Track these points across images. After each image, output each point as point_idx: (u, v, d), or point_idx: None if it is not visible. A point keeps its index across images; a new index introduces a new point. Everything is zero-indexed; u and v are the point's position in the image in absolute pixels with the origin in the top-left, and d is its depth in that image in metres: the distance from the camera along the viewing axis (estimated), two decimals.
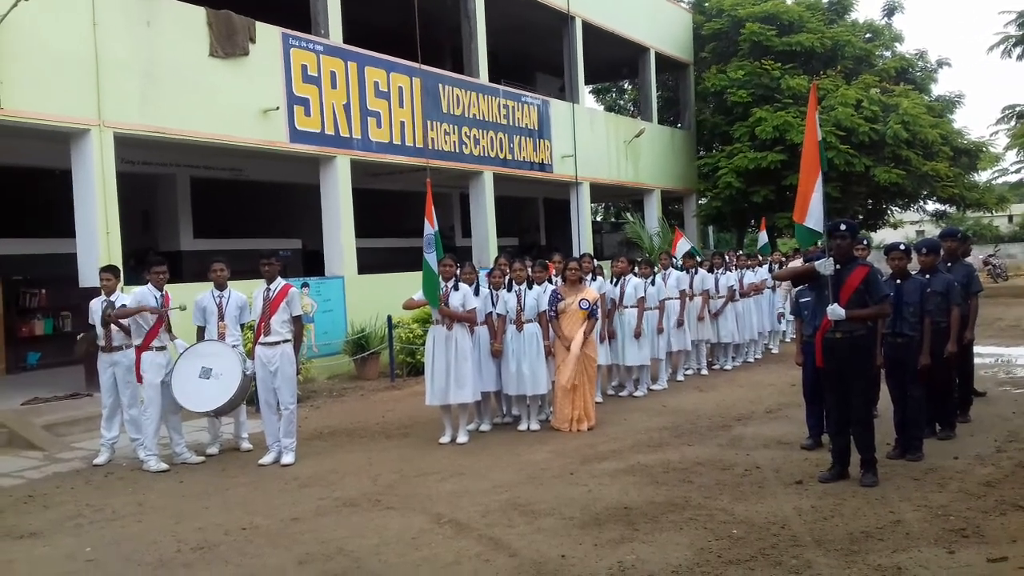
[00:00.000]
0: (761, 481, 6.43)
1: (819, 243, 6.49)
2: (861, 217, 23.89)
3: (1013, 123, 17.13)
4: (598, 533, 5.33)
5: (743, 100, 22.61)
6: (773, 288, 14.16)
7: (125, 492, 6.94)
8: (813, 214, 6.33)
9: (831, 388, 6.39)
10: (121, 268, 10.27)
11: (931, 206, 27.07)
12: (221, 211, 16.11)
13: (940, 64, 26.08)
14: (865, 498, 5.87)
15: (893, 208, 26.23)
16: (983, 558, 4.69)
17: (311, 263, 16.17)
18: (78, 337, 8.26)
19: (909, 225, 43.78)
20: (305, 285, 12.96)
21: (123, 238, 13.14)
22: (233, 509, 6.28)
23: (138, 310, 7.64)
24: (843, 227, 6.25)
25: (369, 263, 14.94)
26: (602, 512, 5.76)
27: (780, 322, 12.00)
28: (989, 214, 34.55)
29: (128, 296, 7.90)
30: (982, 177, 24.95)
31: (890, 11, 26.61)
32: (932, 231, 49.23)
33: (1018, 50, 17.18)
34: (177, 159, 14.59)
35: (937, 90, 25.93)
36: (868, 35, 25.55)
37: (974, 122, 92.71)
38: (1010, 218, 55.33)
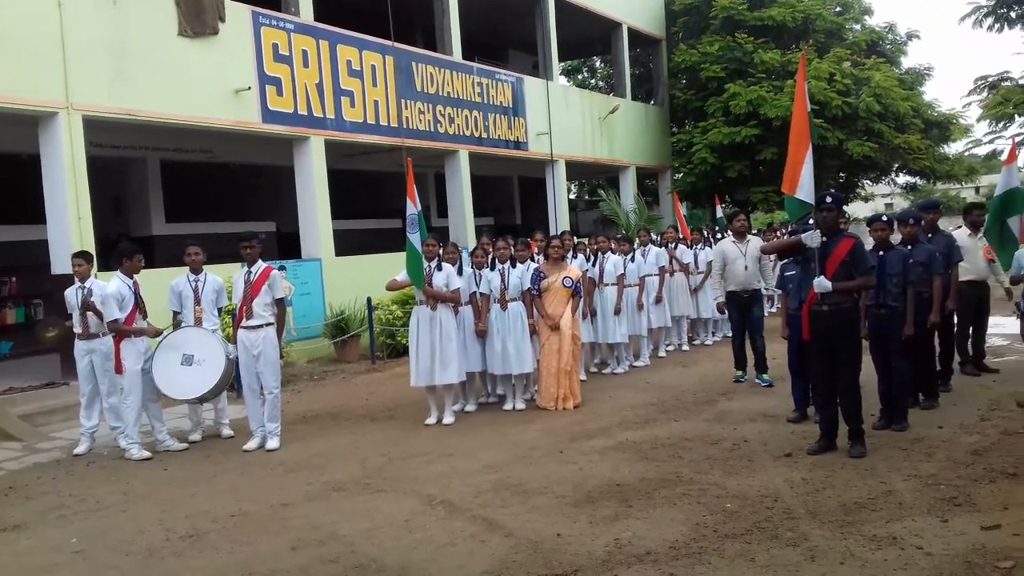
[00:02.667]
0: (750, 455, 6.44)
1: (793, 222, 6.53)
2: (833, 190, 24.00)
3: (985, 94, 17.25)
4: (592, 511, 5.31)
5: (716, 75, 22.57)
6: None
7: (108, 481, 6.82)
8: (804, 186, 6.31)
9: (818, 360, 6.40)
10: (94, 254, 10.14)
11: (902, 179, 27.26)
12: (193, 194, 15.84)
13: (910, 37, 26.20)
14: (855, 469, 5.90)
15: (865, 181, 26.40)
16: (976, 526, 4.72)
17: (286, 246, 15.96)
18: (38, 321, 7.98)
19: (880, 198, 44.19)
20: (282, 268, 12.76)
21: (95, 223, 12.92)
22: (220, 496, 6.19)
23: (135, 331, 7.55)
24: (829, 199, 6.24)
25: (346, 245, 14.79)
26: (594, 489, 5.74)
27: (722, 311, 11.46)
28: (958, 185, 34.89)
29: (103, 284, 7.71)
30: (954, 149, 25.11)
31: None
32: (902, 204, 49.73)
33: (989, 20, 17.22)
34: (147, 142, 14.30)
35: (907, 63, 26.09)
36: (838, 8, 25.55)
37: (947, 94, 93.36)
38: (977, 189, 55.96)
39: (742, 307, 9.29)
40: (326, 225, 13.76)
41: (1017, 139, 14.53)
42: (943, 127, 24.04)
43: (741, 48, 22.43)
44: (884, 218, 7.18)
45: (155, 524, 5.61)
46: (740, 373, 9.43)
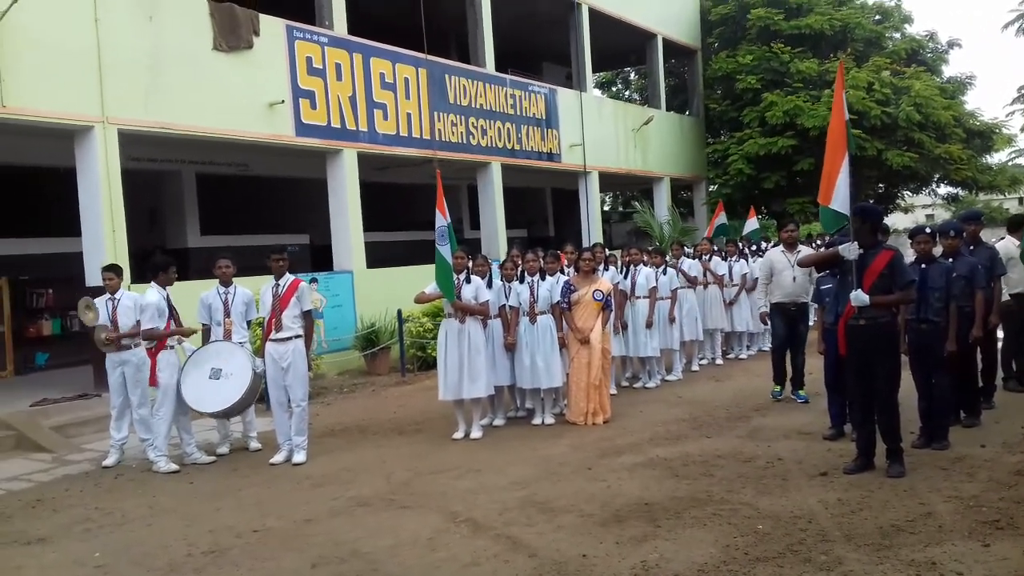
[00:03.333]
0: (784, 473, 6.27)
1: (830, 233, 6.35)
2: (872, 201, 23.63)
3: None
4: (619, 531, 5.18)
5: (752, 86, 22.34)
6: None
7: (135, 494, 6.82)
8: (839, 196, 6.13)
9: (855, 376, 6.22)
10: (128, 266, 10.24)
11: (943, 189, 26.76)
12: (228, 207, 15.97)
13: (951, 45, 25.77)
14: (893, 489, 5.71)
15: (905, 192, 25.95)
16: (1020, 551, 4.53)
17: (319, 258, 16.02)
18: (96, 325, 7.91)
19: (920, 209, 43.44)
20: (314, 280, 12.82)
21: (129, 236, 13.05)
22: (245, 510, 6.15)
23: (167, 334, 7.59)
24: (859, 212, 6.06)
25: (378, 257, 14.81)
26: (622, 508, 5.61)
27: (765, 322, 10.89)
28: (1000, 196, 34.19)
29: (136, 296, 7.75)
30: (997, 159, 24.59)
31: None
32: (943, 215, 48.86)
33: None
34: (183, 155, 14.46)
35: (948, 72, 25.66)
36: (877, 17, 25.19)
37: (989, 103, 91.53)
38: (1021, 200, 54.84)
39: (789, 320, 8.98)
40: (358, 237, 13.77)
41: None
42: (985, 137, 23.56)
43: (777, 58, 22.19)
44: (927, 230, 6.98)
45: (179, 539, 5.58)
46: (778, 389, 9.14)
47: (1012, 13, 18.88)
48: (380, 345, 12.84)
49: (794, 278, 8.87)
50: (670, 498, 5.78)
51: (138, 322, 7.57)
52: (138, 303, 7.61)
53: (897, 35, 25.32)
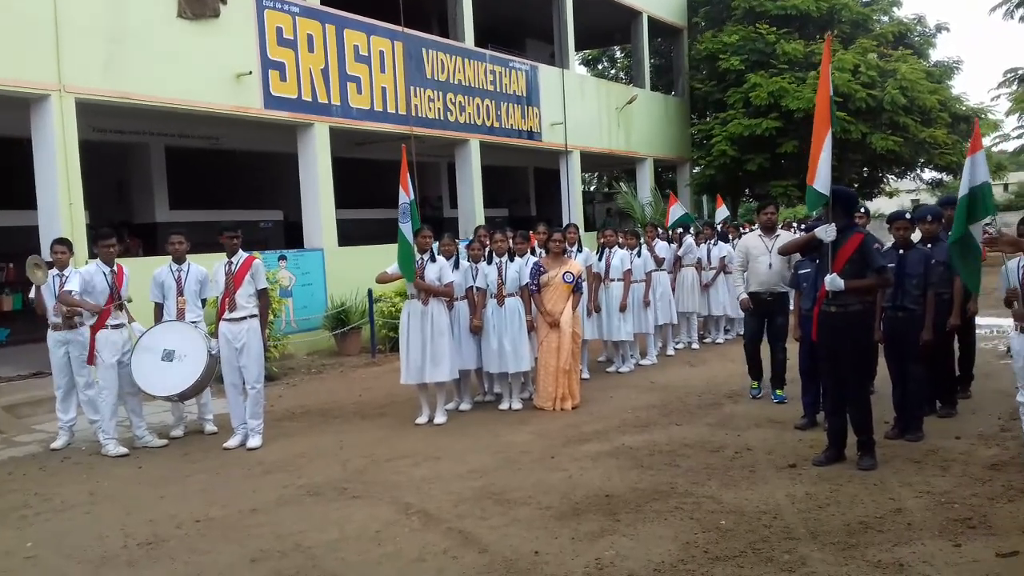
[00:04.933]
0: (752, 464, 6.05)
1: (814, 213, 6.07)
2: (856, 186, 23.44)
3: (1015, 87, 16.60)
4: (576, 525, 4.94)
5: (737, 67, 22.05)
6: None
7: (79, 480, 6.54)
8: (821, 175, 5.86)
9: (827, 365, 6.00)
10: (85, 241, 9.89)
11: (928, 174, 26.61)
12: (198, 181, 15.58)
13: (939, 29, 25.55)
14: (863, 483, 5.49)
15: (889, 176, 25.78)
16: (992, 552, 4.32)
17: (293, 235, 15.67)
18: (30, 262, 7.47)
19: (905, 194, 43.26)
20: (282, 258, 12.52)
21: (96, 210, 12.68)
22: (190, 499, 5.88)
23: (83, 304, 7.09)
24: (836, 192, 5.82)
25: (352, 235, 14.49)
26: (582, 500, 5.37)
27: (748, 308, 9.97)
28: None
29: (77, 272, 7.42)
30: (986, 143, 24.42)
31: None
32: (928, 200, 48.74)
33: (1021, 11, 16.61)
34: (150, 127, 14.04)
35: (935, 55, 25.42)
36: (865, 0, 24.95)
37: (975, 87, 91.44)
38: (1005, 187, 54.84)
39: (763, 312, 8.10)
40: (329, 214, 13.44)
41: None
42: (971, 122, 23.35)
43: (763, 39, 21.91)
44: (907, 215, 6.74)
45: (116, 529, 5.31)
46: (755, 385, 8.36)
47: None
48: (350, 325, 12.55)
49: (770, 265, 8.00)
50: (632, 490, 5.55)
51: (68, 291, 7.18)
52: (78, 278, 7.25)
53: (885, 18, 25.08)
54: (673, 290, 11.34)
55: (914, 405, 6.56)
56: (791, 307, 7.70)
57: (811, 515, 4.94)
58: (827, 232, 5.79)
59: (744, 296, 8.18)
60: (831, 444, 6.01)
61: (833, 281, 5.74)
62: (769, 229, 8.29)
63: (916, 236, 7.17)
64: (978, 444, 6.34)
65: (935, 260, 6.76)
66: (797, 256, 6.98)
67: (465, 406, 8.49)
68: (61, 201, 9.86)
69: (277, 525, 5.21)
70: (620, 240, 10.26)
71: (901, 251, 6.62)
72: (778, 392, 8.22)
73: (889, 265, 6.28)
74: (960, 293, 7.07)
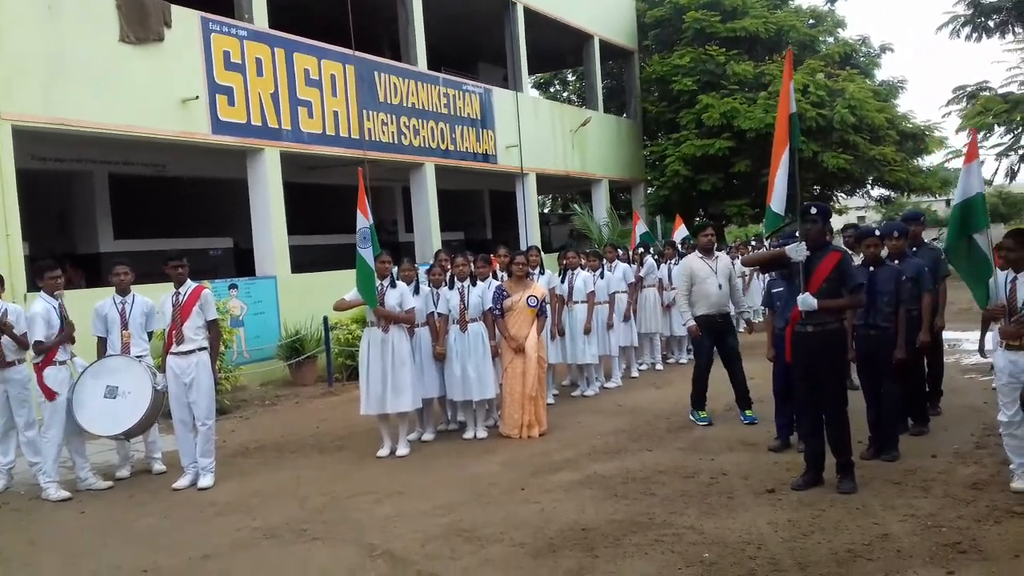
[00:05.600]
0: (730, 490, 5.84)
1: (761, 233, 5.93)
2: (819, 202, 23.66)
3: (964, 104, 16.88)
4: (553, 562, 4.68)
5: (688, 87, 22.21)
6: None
7: (17, 527, 6.11)
8: (777, 194, 5.76)
9: (802, 386, 5.83)
10: (24, 274, 9.43)
11: (876, 191, 26.98)
12: (144, 210, 15.03)
13: (883, 49, 26.03)
14: (845, 507, 5.32)
15: (839, 194, 26.08)
16: None
17: (243, 262, 15.24)
18: None
19: (853, 211, 44.03)
20: (233, 287, 12.10)
21: (36, 241, 12.15)
22: (137, 545, 5.49)
23: (56, 343, 6.80)
24: (813, 210, 5.69)
25: (306, 261, 14.12)
26: (557, 536, 5.11)
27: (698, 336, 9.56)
28: (930, 198, 34.76)
29: (18, 309, 7.03)
30: (932, 160, 24.82)
31: None
32: (874, 217, 49.66)
33: (967, 30, 16.90)
34: (93, 155, 13.54)
35: (880, 75, 25.87)
36: (811, 21, 25.32)
37: (923, 106, 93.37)
38: (948, 202, 56.14)
39: (715, 334, 8.01)
40: (281, 241, 13.07)
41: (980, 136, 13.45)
42: (918, 139, 23.79)
43: (713, 60, 22.11)
44: (877, 232, 6.65)
45: None
46: (704, 415, 8.03)
47: (946, 15, 19.10)
48: (306, 354, 12.16)
49: (719, 286, 7.97)
50: (608, 522, 5.30)
51: (24, 334, 6.83)
52: (21, 316, 6.88)
53: (831, 39, 25.48)
54: (635, 311, 11.16)
55: (890, 423, 6.43)
56: (742, 329, 7.52)
57: (796, 544, 4.74)
58: (797, 251, 5.65)
59: (692, 323, 7.99)
60: (809, 467, 5.83)
61: (805, 300, 5.59)
62: (708, 251, 8.22)
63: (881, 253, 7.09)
64: (955, 462, 6.22)
65: (905, 276, 6.67)
66: (748, 273, 6.91)
67: (428, 436, 8.19)
68: None
69: (231, 573, 4.87)
70: (583, 262, 10.07)
71: (871, 268, 6.51)
72: (747, 413, 8.04)
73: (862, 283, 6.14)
74: (928, 309, 7.00)
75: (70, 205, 14.64)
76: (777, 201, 5.87)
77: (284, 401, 11.04)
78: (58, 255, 13.27)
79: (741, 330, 12.88)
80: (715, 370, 8.15)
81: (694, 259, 8.21)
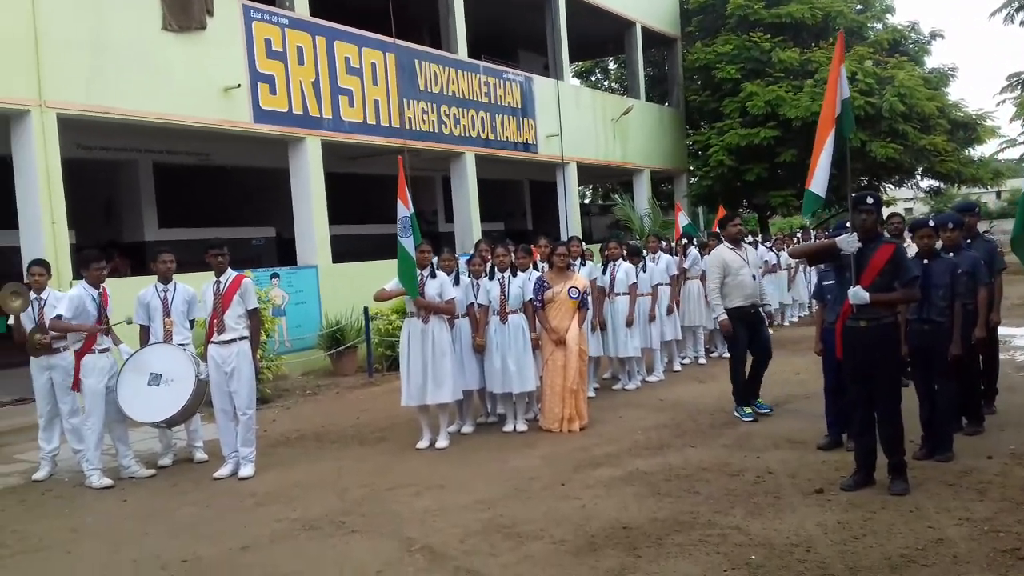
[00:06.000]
0: (776, 490, 5.69)
1: (807, 218, 5.72)
2: (854, 196, 23.18)
3: (1019, 91, 16.34)
4: (594, 561, 4.57)
5: (732, 76, 21.83)
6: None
7: (60, 514, 6.16)
8: (818, 177, 5.58)
9: (854, 383, 5.64)
10: (69, 262, 9.53)
11: (925, 182, 26.39)
12: (188, 198, 15.21)
13: (933, 36, 25.38)
14: (897, 509, 5.14)
15: (887, 185, 25.54)
16: None
17: (286, 251, 15.32)
18: (31, 333, 7.30)
19: (901, 202, 43.10)
20: (275, 276, 12.15)
21: (83, 229, 12.30)
22: (177, 535, 5.49)
23: (78, 328, 6.80)
24: (869, 200, 5.49)
25: (346, 251, 14.15)
26: (598, 533, 5.00)
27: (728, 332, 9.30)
28: (980, 190, 33.95)
29: (61, 295, 7.07)
30: (984, 151, 24.14)
31: None
32: (922, 209, 48.58)
33: (1021, 15, 16.38)
34: (138, 144, 13.69)
35: (930, 63, 25.25)
36: (859, 7, 24.77)
37: (975, 94, 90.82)
38: (998, 194, 54.71)
39: (750, 326, 7.91)
40: (323, 230, 13.09)
41: None
42: (970, 128, 23.17)
43: (758, 47, 21.70)
44: (930, 222, 6.41)
45: (96, 570, 4.94)
46: (749, 411, 7.86)
47: (999, 1, 18.52)
48: (346, 344, 12.18)
49: (753, 276, 7.96)
50: (651, 520, 5.19)
51: (59, 316, 6.85)
52: (62, 302, 6.92)
53: (879, 25, 24.91)
54: (678, 304, 10.99)
55: (944, 423, 6.21)
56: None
57: (847, 547, 4.59)
58: (849, 243, 5.44)
59: (725, 317, 7.84)
60: (860, 467, 5.65)
61: (857, 294, 5.40)
62: (737, 241, 8.12)
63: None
64: (1012, 464, 5.99)
65: (960, 270, 6.43)
66: (788, 263, 6.75)
67: (467, 428, 8.12)
68: (43, 220, 9.50)
69: (270, 565, 4.84)
70: (625, 253, 9.91)
71: (925, 261, 6.29)
72: (745, 410, 7.90)
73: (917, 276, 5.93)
74: (985, 304, 6.77)
75: (116, 194, 14.84)
76: (818, 183, 5.72)
77: (325, 391, 11.06)
78: (104, 243, 13.48)
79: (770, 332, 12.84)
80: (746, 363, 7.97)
81: (725, 250, 8.07)
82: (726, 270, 7.89)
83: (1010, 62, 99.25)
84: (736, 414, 7.95)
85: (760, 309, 8.11)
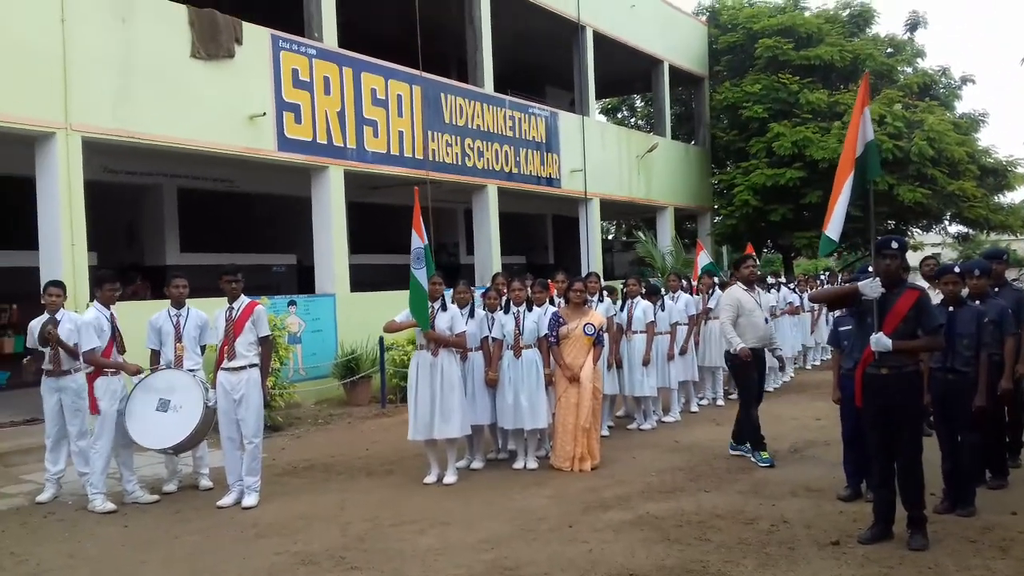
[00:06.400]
0: (791, 540, 5.50)
1: (832, 260, 5.59)
2: (878, 240, 22.93)
3: None
4: None
5: (759, 115, 21.76)
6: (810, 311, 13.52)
7: (60, 538, 6.08)
8: (835, 219, 5.44)
9: (873, 432, 5.47)
10: (87, 284, 9.55)
11: (953, 228, 26.05)
12: (211, 224, 15.28)
13: (964, 81, 25.12)
14: (916, 566, 4.94)
15: (914, 229, 25.24)
16: None
17: (306, 279, 15.31)
18: (24, 360, 7.46)
19: (930, 248, 42.68)
20: (292, 303, 12.12)
21: (106, 251, 12.36)
22: (175, 566, 5.39)
23: (116, 365, 6.91)
24: (894, 244, 5.36)
25: (366, 280, 14.13)
26: None
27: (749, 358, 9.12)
28: (1010, 236, 33.52)
29: (76, 317, 7.07)
30: (1014, 197, 23.84)
31: (913, 25, 25.64)
32: (950, 255, 48.06)
33: None
34: (163, 168, 13.79)
35: (961, 108, 25.01)
36: (889, 50, 24.65)
37: (1006, 139, 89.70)
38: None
39: (758, 366, 7.99)
40: (342, 259, 13.08)
41: None
42: (1000, 175, 22.88)
43: (786, 88, 21.64)
44: (956, 269, 6.25)
45: None
46: (766, 456, 7.67)
47: None
48: (361, 374, 12.10)
49: (766, 319, 8.11)
50: (658, 568, 5.02)
51: (76, 345, 6.85)
52: (76, 323, 6.91)
53: (909, 69, 24.75)
54: (697, 344, 10.83)
55: (967, 477, 6.01)
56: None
57: None
58: (872, 288, 5.29)
59: (745, 347, 7.72)
60: (878, 519, 5.46)
61: (879, 341, 5.24)
62: (751, 283, 8.11)
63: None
64: None
65: (987, 319, 6.25)
66: (811, 307, 6.65)
67: (477, 464, 7.99)
68: (64, 242, 9.54)
69: None
70: (643, 291, 9.79)
71: (951, 308, 6.12)
72: (762, 455, 7.74)
73: (942, 324, 5.76)
74: (1012, 354, 6.56)
75: (139, 217, 14.94)
76: (834, 227, 5.59)
77: (337, 421, 10.96)
78: (126, 266, 13.55)
79: (788, 378, 12.79)
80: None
81: (739, 290, 8.02)
82: (740, 310, 7.86)
83: None
84: (753, 459, 7.77)
85: (772, 353, 8.16)
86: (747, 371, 7.83)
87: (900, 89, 22.53)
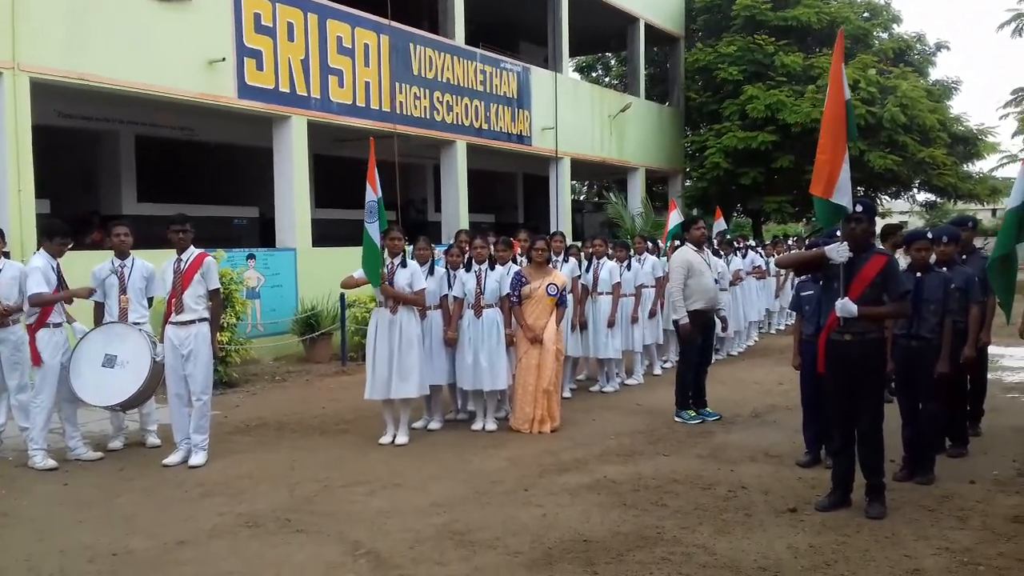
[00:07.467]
0: (748, 506, 5.41)
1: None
2: (864, 199, 22.99)
3: (1023, 106, 16.11)
4: None
5: (733, 77, 21.56)
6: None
7: None
8: (842, 187, 5.19)
9: (835, 399, 5.37)
10: (34, 231, 9.20)
11: (922, 195, 26.16)
12: (170, 173, 14.86)
13: (939, 47, 25.16)
14: (873, 534, 4.87)
15: (883, 196, 25.31)
16: None
17: (268, 233, 14.96)
18: None
19: (896, 215, 42.88)
20: (251, 257, 11.82)
21: (61, 198, 11.94)
22: (112, 525, 5.19)
23: (57, 297, 6.56)
24: (860, 208, 5.20)
25: (329, 235, 13.81)
26: (556, 545, 4.72)
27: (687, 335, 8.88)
28: (977, 206, 33.75)
29: (17, 264, 6.76)
30: (983, 166, 24.08)
31: None
32: (917, 222, 48.39)
33: None
34: (119, 114, 13.32)
35: (935, 74, 25.03)
36: (866, 14, 24.50)
37: (978, 107, 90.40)
38: (994, 212, 54.54)
39: (705, 329, 8.09)
40: (304, 213, 12.77)
41: None
42: (970, 143, 22.95)
43: (761, 50, 21.44)
44: (929, 234, 6.13)
45: (20, 560, 4.63)
46: (693, 415, 7.90)
47: (1009, 12, 18.32)
48: (321, 330, 11.87)
49: (716, 280, 8.22)
50: (613, 534, 4.90)
51: (16, 300, 6.55)
52: (22, 271, 6.61)
53: (885, 34, 24.65)
54: (662, 306, 10.70)
55: (927, 444, 5.94)
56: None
57: (817, 574, 4.31)
58: (839, 252, 5.13)
59: (686, 321, 7.78)
60: (836, 487, 5.38)
61: (845, 307, 5.10)
62: (701, 244, 8.17)
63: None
64: (995, 491, 5.72)
65: (954, 285, 6.16)
66: (776, 272, 6.55)
67: (435, 425, 7.83)
68: (11, 187, 9.16)
69: (203, 563, 4.54)
70: (609, 251, 9.62)
71: (918, 274, 6.01)
72: (689, 413, 7.93)
73: (908, 290, 5.64)
74: (976, 322, 6.49)
75: (95, 164, 14.48)
76: (842, 192, 5.22)
77: (295, 378, 10.76)
78: (82, 215, 13.12)
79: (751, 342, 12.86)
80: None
81: (689, 251, 8.03)
82: (690, 271, 7.86)
83: (1015, 76, 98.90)
84: (678, 419, 7.88)
85: (716, 315, 8.28)
86: (691, 337, 7.91)
87: (875, 54, 22.43)
